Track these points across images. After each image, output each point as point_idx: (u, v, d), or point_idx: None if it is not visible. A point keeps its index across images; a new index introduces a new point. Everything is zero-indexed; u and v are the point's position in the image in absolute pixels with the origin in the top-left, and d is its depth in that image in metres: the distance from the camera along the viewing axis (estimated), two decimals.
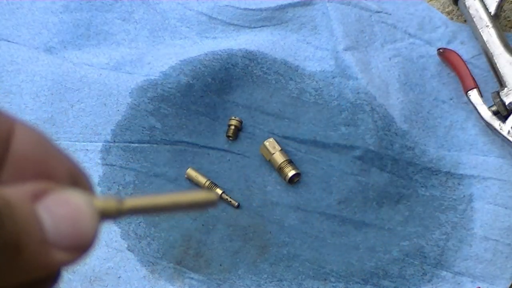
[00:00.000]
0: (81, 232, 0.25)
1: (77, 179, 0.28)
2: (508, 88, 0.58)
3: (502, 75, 0.59)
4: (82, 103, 0.60)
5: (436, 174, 0.59)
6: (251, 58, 0.61)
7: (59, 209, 0.25)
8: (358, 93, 0.60)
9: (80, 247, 0.25)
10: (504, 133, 0.58)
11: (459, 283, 0.57)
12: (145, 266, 0.56)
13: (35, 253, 0.24)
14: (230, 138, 0.60)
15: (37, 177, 0.26)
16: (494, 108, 0.59)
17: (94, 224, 0.25)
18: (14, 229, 0.23)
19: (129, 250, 0.57)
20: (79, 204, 0.25)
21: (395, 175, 0.59)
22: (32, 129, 0.27)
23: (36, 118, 0.60)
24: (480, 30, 0.60)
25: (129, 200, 0.26)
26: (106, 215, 0.26)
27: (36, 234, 0.24)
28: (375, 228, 0.58)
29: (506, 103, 0.58)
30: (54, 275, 0.27)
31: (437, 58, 0.63)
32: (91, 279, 0.56)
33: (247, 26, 0.63)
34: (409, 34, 0.63)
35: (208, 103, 0.60)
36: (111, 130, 0.60)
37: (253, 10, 0.63)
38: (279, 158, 0.58)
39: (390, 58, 0.62)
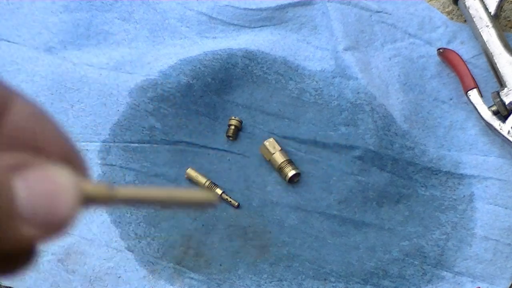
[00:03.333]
0: (57, 211, 0.23)
1: (71, 159, 0.26)
2: (508, 88, 0.58)
3: (502, 75, 0.59)
4: (82, 103, 0.60)
5: (436, 174, 0.59)
6: (251, 58, 0.61)
7: (37, 184, 0.24)
8: (358, 93, 0.60)
9: (54, 226, 0.23)
10: (504, 133, 0.58)
11: (459, 283, 0.57)
12: (145, 266, 0.56)
13: (2, 225, 0.23)
14: (230, 138, 0.60)
15: (26, 150, 0.25)
16: (494, 108, 0.59)
17: (73, 205, 0.23)
18: None
19: (129, 250, 0.57)
20: (61, 182, 0.24)
21: (395, 175, 0.59)
22: (31, 103, 0.26)
23: None
24: (480, 30, 0.60)
25: (123, 189, 0.25)
26: (94, 200, 0.25)
27: (5, 206, 0.23)
28: (375, 228, 0.58)
29: (506, 103, 0.58)
30: (28, 252, 0.25)
31: (437, 58, 0.63)
32: (91, 279, 0.56)
33: (247, 26, 0.63)
34: (409, 34, 0.63)
35: (208, 103, 0.60)
36: (111, 130, 0.60)
37: (253, 10, 0.63)
38: (279, 158, 0.58)
39: (390, 58, 0.62)
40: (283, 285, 0.56)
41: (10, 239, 0.23)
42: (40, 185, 0.24)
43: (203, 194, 0.26)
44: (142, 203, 0.26)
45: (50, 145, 0.26)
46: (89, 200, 0.24)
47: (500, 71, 0.59)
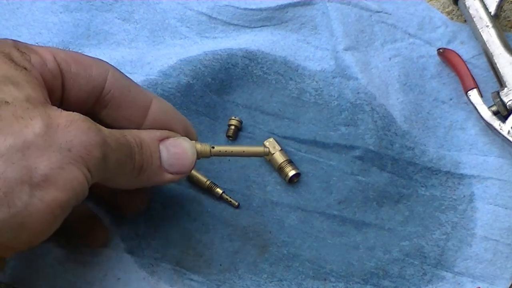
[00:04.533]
0: (183, 164, 0.44)
1: (188, 132, 0.47)
2: (508, 88, 0.58)
3: (502, 75, 0.59)
4: None
5: (436, 174, 0.59)
6: (251, 58, 0.61)
7: (173, 149, 0.43)
8: (358, 93, 0.60)
9: (181, 173, 0.45)
10: (504, 133, 0.58)
11: (459, 283, 0.57)
12: (145, 267, 0.56)
13: (153, 174, 0.43)
14: (230, 138, 0.60)
15: (164, 129, 0.45)
16: (494, 108, 0.59)
17: (192, 160, 0.45)
18: (140, 158, 0.41)
19: (128, 251, 0.57)
20: (185, 147, 0.44)
21: (395, 175, 0.59)
22: (163, 101, 0.47)
23: None
24: (480, 30, 0.60)
25: (217, 147, 0.47)
26: (202, 155, 0.46)
27: (156, 163, 0.43)
28: (375, 228, 0.58)
29: (506, 103, 0.58)
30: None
31: (437, 58, 0.63)
32: (90, 280, 0.56)
33: (247, 26, 0.63)
34: (409, 34, 0.63)
35: (208, 103, 0.60)
36: None
37: (253, 10, 0.63)
38: (279, 158, 0.58)
39: (390, 58, 0.62)
40: (283, 285, 0.56)
41: (158, 182, 0.44)
42: (174, 149, 0.44)
43: (261, 149, 0.50)
44: (227, 156, 0.49)
45: (177, 125, 0.46)
46: (199, 155, 0.46)
47: (500, 71, 0.59)
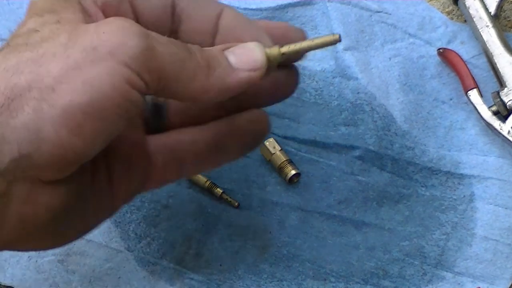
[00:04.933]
0: (254, 59, 0.39)
1: (261, 39, 0.42)
2: (508, 88, 0.58)
3: (502, 75, 0.59)
4: None
5: (436, 174, 0.59)
6: None
7: (239, 51, 0.39)
8: (358, 93, 0.60)
9: (255, 69, 0.39)
10: (504, 133, 0.58)
11: (459, 283, 0.57)
12: (145, 266, 0.56)
13: (225, 72, 0.38)
14: None
15: (235, 41, 0.41)
16: (494, 108, 0.59)
17: (262, 57, 0.39)
18: (204, 55, 0.38)
19: (129, 250, 0.57)
20: (252, 46, 0.40)
21: (395, 175, 0.59)
22: (234, 11, 0.43)
23: None
24: (480, 30, 0.60)
25: (285, 46, 0.41)
26: (272, 56, 0.40)
27: (224, 62, 0.38)
28: (375, 228, 0.58)
29: (506, 103, 0.58)
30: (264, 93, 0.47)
31: (437, 58, 0.63)
32: (91, 280, 0.56)
33: None
34: (409, 34, 0.63)
35: None
36: None
37: (253, 10, 0.63)
38: (279, 158, 0.58)
39: (390, 58, 0.62)
40: (283, 285, 0.56)
41: (233, 82, 0.38)
42: (241, 50, 0.39)
43: (330, 36, 0.41)
44: (300, 52, 0.42)
45: (249, 34, 0.42)
46: (269, 56, 0.40)
47: (500, 71, 0.59)
